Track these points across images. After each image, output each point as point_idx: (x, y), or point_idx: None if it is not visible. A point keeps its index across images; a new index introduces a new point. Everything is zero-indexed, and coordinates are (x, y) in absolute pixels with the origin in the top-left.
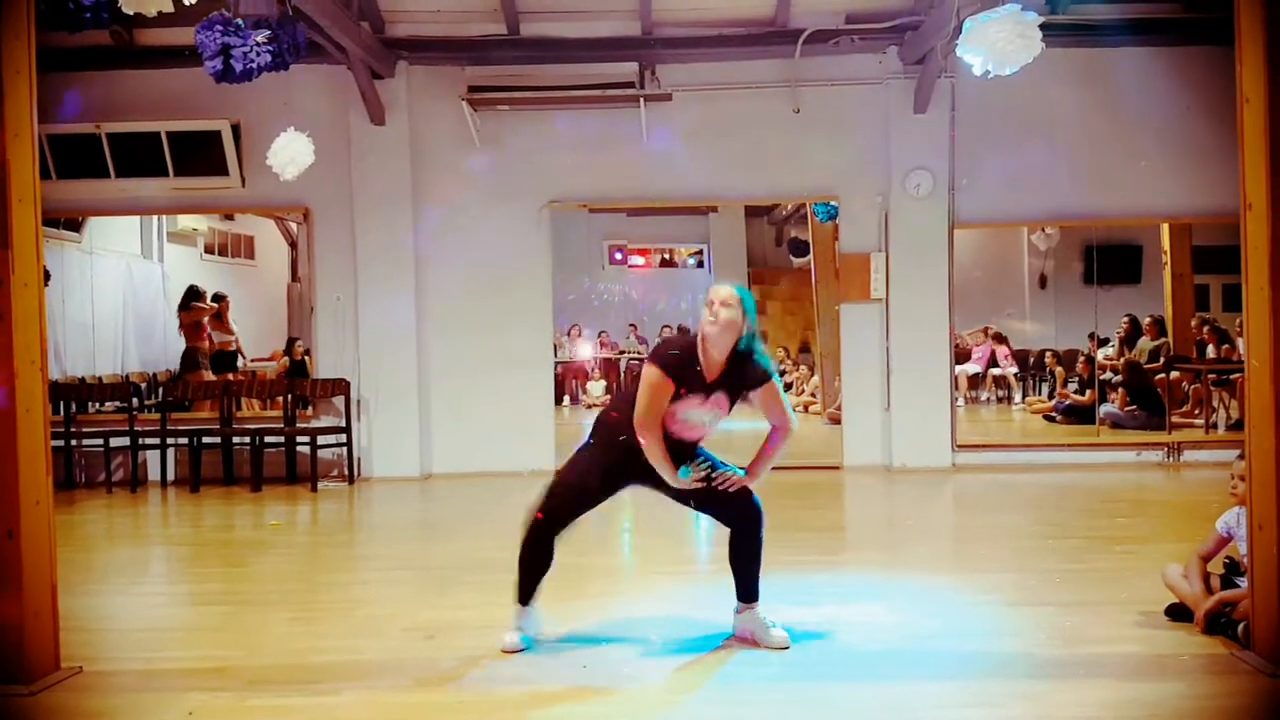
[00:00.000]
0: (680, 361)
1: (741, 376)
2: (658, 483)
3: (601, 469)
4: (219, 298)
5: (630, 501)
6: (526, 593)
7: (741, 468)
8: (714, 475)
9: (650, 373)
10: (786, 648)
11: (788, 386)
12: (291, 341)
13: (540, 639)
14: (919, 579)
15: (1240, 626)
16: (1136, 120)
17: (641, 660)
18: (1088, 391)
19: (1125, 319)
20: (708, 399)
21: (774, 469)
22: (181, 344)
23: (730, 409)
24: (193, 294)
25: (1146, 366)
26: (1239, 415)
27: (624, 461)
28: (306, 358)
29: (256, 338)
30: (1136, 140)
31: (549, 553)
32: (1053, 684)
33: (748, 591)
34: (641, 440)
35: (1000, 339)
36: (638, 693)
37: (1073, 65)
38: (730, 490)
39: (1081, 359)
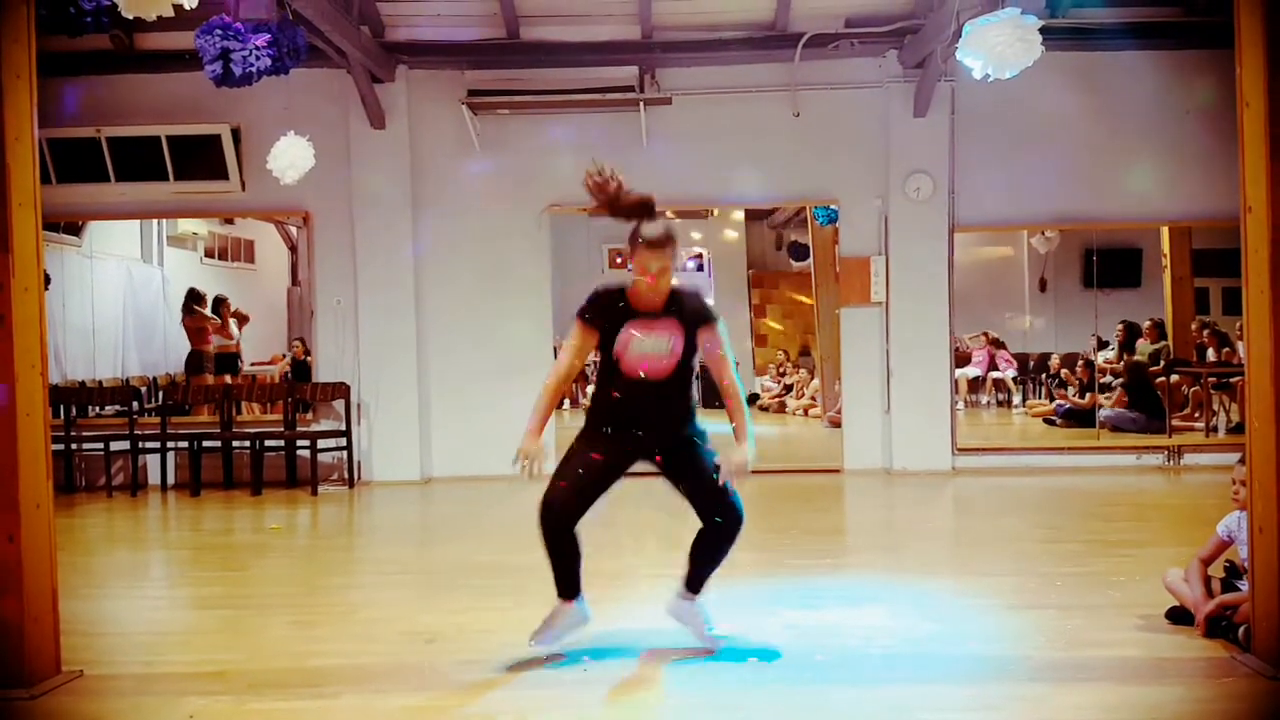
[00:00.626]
0: (600, 301)
1: (689, 310)
2: (659, 465)
3: (586, 456)
4: (219, 300)
5: (630, 502)
6: (561, 584)
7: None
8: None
9: (574, 326)
10: (712, 651)
11: (787, 389)
12: (295, 341)
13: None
14: (919, 582)
15: (1241, 630)
16: (1136, 124)
17: (641, 663)
18: (1087, 395)
19: (1120, 325)
20: (653, 326)
21: (775, 472)
22: (182, 348)
23: (685, 343)
24: (194, 297)
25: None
26: (1239, 419)
27: (609, 447)
28: (308, 358)
29: (256, 342)
30: (1136, 144)
31: (569, 542)
32: (1052, 687)
33: (695, 582)
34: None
35: (998, 344)
36: (638, 696)
37: (1073, 69)
38: (732, 480)
39: (1080, 363)
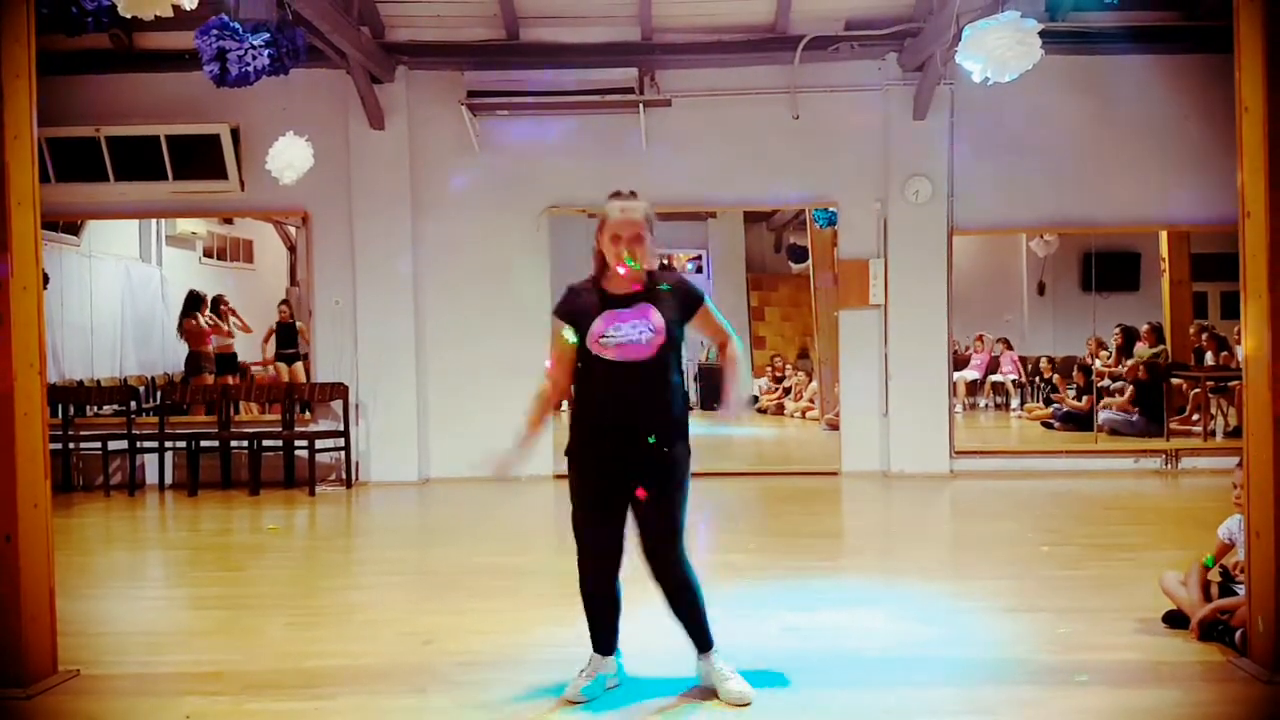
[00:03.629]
0: (570, 296)
1: (671, 294)
2: (627, 486)
3: (582, 491)
4: (217, 300)
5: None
6: (597, 639)
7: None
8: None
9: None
10: (746, 704)
11: (786, 391)
12: (281, 304)
13: (611, 688)
14: (916, 585)
15: (1237, 633)
16: (1135, 128)
17: (640, 665)
18: (1085, 398)
19: (1118, 329)
20: (630, 313)
21: (772, 474)
22: (180, 348)
23: (666, 327)
24: (194, 300)
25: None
26: (1237, 423)
27: (600, 468)
28: (295, 321)
29: (254, 341)
30: (1135, 148)
31: (609, 596)
32: (1049, 690)
33: (694, 640)
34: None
35: (1006, 344)
36: (634, 695)
37: (1072, 73)
38: (727, 415)
39: (1075, 369)
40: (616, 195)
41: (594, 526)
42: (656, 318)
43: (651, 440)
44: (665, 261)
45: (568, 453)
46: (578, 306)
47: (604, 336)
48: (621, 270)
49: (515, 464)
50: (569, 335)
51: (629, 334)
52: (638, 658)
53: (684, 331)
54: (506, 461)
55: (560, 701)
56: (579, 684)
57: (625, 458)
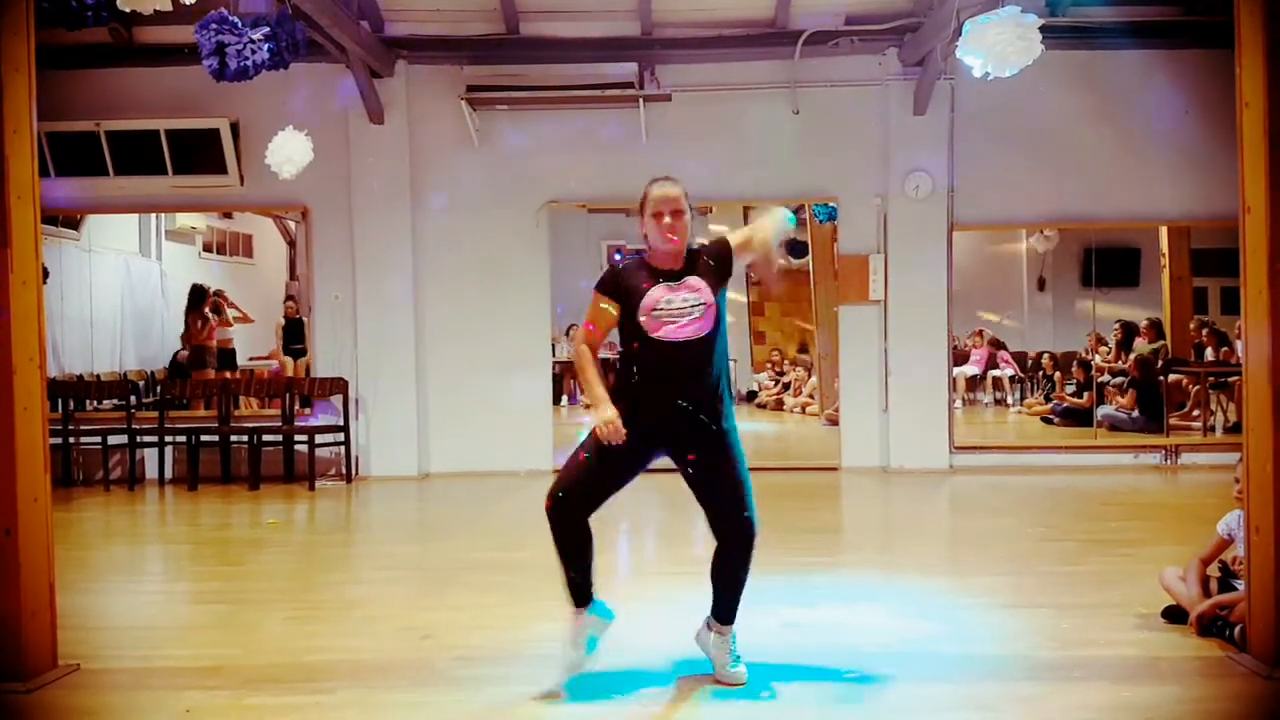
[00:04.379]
0: (619, 271)
1: (709, 259)
2: (689, 464)
3: (602, 447)
4: (216, 294)
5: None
6: (575, 589)
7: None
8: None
9: (592, 298)
10: (740, 684)
11: (785, 387)
12: (288, 300)
13: (605, 631)
14: (915, 581)
15: (1236, 629)
16: (1135, 123)
17: (637, 662)
18: (1085, 394)
19: (1118, 325)
20: (679, 286)
21: (772, 469)
22: (174, 343)
23: (716, 299)
24: (198, 294)
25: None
26: (1237, 418)
27: (638, 434)
28: (301, 317)
29: (254, 336)
30: (1135, 143)
31: (580, 535)
32: (1049, 686)
33: (720, 611)
34: (574, 353)
35: (997, 344)
36: (632, 692)
37: (1072, 68)
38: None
39: (1074, 364)
40: (654, 181)
41: (598, 472)
42: (705, 291)
43: (703, 419)
44: None
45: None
46: (627, 283)
47: (656, 310)
48: (667, 241)
49: (614, 421)
50: (610, 308)
51: (680, 305)
52: (630, 650)
53: (725, 300)
54: (608, 421)
55: (551, 689)
56: (573, 655)
57: (673, 433)
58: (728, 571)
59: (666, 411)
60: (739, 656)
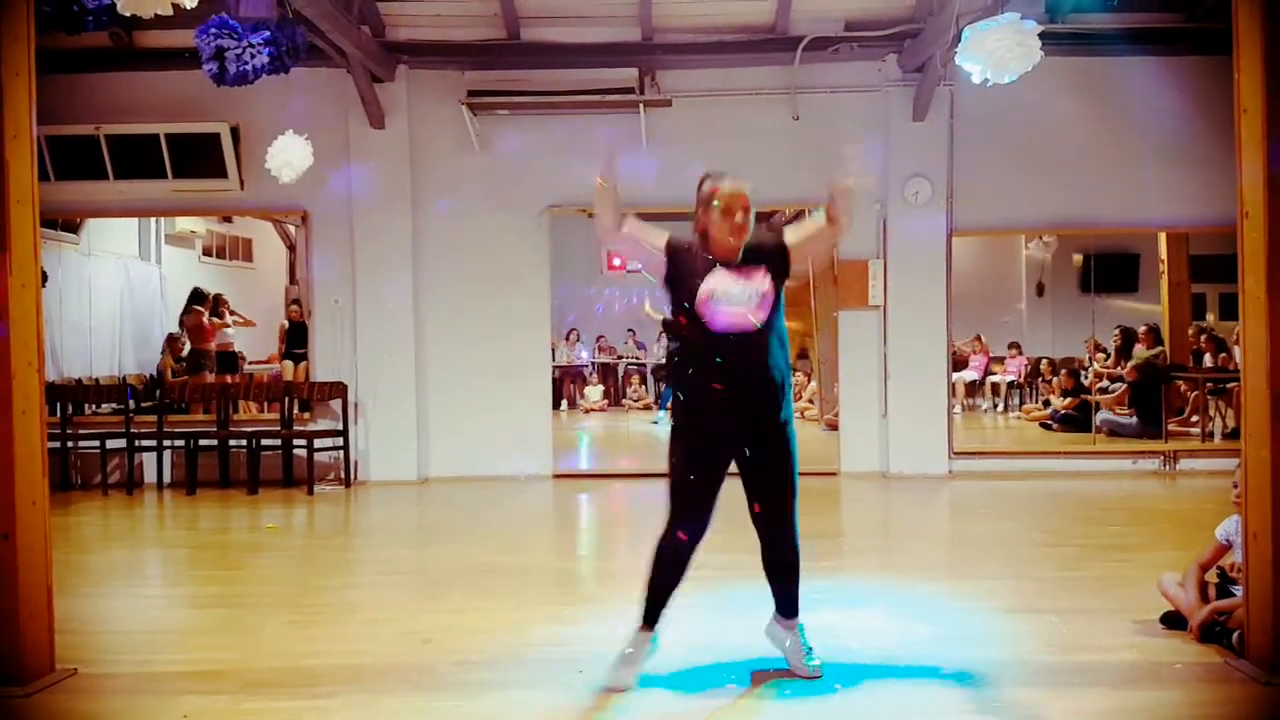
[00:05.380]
0: (684, 242)
1: (766, 249)
2: (746, 458)
3: (687, 453)
4: (216, 299)
5: (629, 502)
6: (649, 611)
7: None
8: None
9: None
10: (818, 677)
11: None
12: (292, 304)
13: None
14: (915, 585)
15: (1235, 635)
16: (1134, 129)
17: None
18: (1068, 399)
19: (1117, 331)
20: (738, 274)
21: None
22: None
23: (774, 286)
24: (197, 297)
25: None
26: (1235, 424)
27: (702, 435)
28: (307, 320)
29: (254, 340)
30: (1134, 149)
31: (681, 562)
32: (1048, 691)
33: (784, 605)
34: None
35: (1016, 347)
36: (633, 697)
37: (1072, 74)
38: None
39: (1064, 372)
40: (720, 176)
41: (693, 490)
42: (760, 280)
43: (761, 413)
44: None
45: (674, 429)
46: (687, 264)
47: (714, 298)
48: (738, 238)
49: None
50: (660, 242)
51: (739, 295)
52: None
53: (783, 295)
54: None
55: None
56: (626, 672)
57: (736, 428)
58: (777, 574)
59: (726, 409)
60: (811, 649)
